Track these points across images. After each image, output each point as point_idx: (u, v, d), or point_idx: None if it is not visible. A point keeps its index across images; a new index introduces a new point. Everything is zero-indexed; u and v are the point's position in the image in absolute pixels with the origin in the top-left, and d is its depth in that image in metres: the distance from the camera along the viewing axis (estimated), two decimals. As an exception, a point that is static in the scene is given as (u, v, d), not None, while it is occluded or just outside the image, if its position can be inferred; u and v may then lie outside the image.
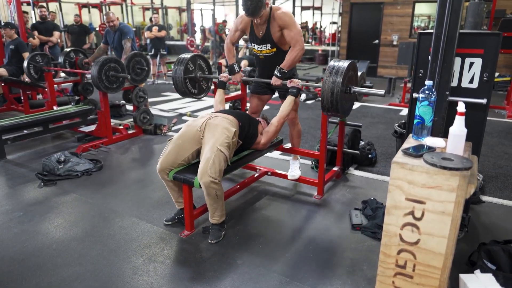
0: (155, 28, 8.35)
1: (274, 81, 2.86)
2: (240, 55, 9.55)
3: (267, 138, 2.74)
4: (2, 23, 5.62)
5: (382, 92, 2.59)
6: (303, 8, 17.72)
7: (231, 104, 3.69)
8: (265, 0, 2.65)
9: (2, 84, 5.46)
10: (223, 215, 2.44)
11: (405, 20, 9.28)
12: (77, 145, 4.22)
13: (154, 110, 5.97)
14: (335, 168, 3.31)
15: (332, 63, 2.55)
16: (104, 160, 3.86)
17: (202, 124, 2.44)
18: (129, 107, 5.77)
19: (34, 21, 7.43)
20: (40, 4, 7.65)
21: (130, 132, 4.66)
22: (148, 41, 8.55)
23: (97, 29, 14.58)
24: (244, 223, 2.65)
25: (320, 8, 17.45)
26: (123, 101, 5.31)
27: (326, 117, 2.85)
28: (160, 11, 13.95)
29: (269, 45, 2.87)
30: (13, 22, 6.56)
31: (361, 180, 3.37)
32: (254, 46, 2.99)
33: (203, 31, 12.57)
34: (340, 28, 10.56)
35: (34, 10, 10.84)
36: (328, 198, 3.03)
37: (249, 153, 2.76)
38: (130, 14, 14.90)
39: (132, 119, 4.79)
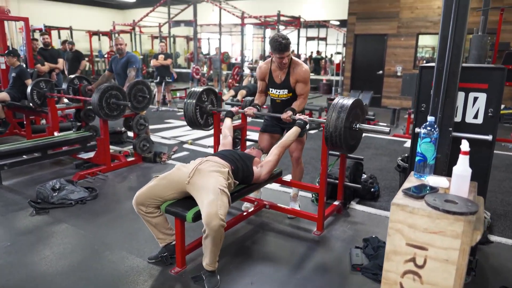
0: (161, 57, 8.47)
1: (285, 115, 2.90)
2: (244, 83, 9.62)
3: (268, 169, 2.66)
4: (10, 50, 5.70)
5: (387, 129, 2.59)
6: (308, 39, 18.04)
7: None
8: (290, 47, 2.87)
9: (5, 109, 5.47)
10: (216, 256, 2.24)
11: (409, 51, 9.35)
12: (75, 172, 4.15)
13: (155, 137, 5.95)
14: (336, 202, 3.19)
15: (337, 100, 2.61)
16: (100, 188, 3.78)
17: (192, 170, 2.33)
18: (131, 134, 5.74)
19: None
20: (42, 31, 7.77)
21: (129, 159, 4.61)
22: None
23: (106, 56, 14.94)
24: (239, 260, 2.52)
25: (325, 39, 17.74)
26: (124, 128, 5.28)
27: (326, 149, 2.78)
28: (168, 39, 14.24)
29: (287, 90, 3.03)
30: (24, 48, 6.66)
31: (363, 216, 3.24)
32: (272, 90, 3.11)
33: (208, 60, 12.76)
34: (344, 59, 10.66)
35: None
36: (328, 234, 2.90)
37: (247, 185, 2.67)
38: (139, 42, 15.24)
39: (132, 146, 4.74)
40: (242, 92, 7.50)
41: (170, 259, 2.43)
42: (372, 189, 3.51)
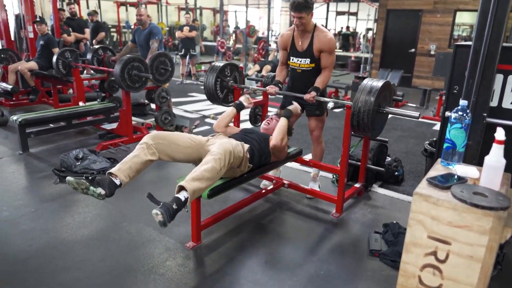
0: (186, 28, 8.37)
1: (309, 96, 2.79)
2: (270, 58, 9.42)
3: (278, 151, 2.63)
4: (38, 18, 5.75)
5: (416, 114, 2.48)
6: (338, 13, 17.39)
7: (251, 110, 3.54)
8: (312, 10, 2.75)
9: (34, 78, 5.59)
10: (198, 192, 1.96)
11: (444, 29, 8.84)
12: (98, 142, 4.22)
13: (178, 111, 5.95)
14: (357, 185, 3.10)
15: (365, 82, 2.54)
16: (121, 159, 3.82)
17: (212, 136, 2.42)
18: (154, 106, 5.76)
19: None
20: (69, 1, 7.77)
21: (151, 132, 4.63)
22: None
23: (132, 27, 14.95)
24: (254, 239, 2.51)
25: (356, 14, 17.06)
26: (147, 100, 5.30)
27: (348, 129, 2.67)
28: (194, 11, 14.07)
29: (309, 59, 2.89)
30: (51, 18, 6.71)
31: (385, 199, 3.14)
32: (293, 60, 2.97)
33: (234, 33, 12.53)
34: (375, 35, 10.22)
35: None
36: (347, 217, 2.83)
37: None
38: (165, 14, 15.13)
39: (154, 119, 4.76)
40: (267, 67, 7.34)
41: (91, 185, 1.96)
42: (396, 173, 3.39)
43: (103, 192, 1.97)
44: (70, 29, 6.67)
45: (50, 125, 4.29)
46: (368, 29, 13.28)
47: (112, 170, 2.07)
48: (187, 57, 8.68)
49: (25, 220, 2.65)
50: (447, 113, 1.95)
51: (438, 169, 1.52)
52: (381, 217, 2.82)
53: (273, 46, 11.67)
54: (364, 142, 3.00)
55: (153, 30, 4.80)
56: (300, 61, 2.92)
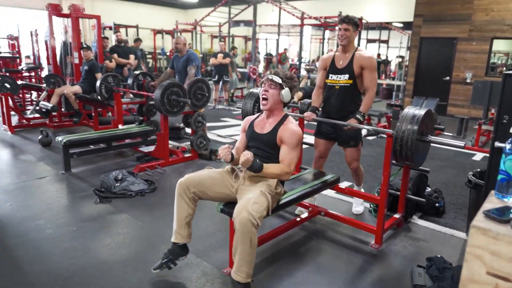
0: (220, 55, 8.62)
1: (348, 124, 2.84)
2: (301, 85, 9.51)
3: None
4: (84, 45, 6.11)
5: (462, 144, 2.43)
6: (369, 41, 17.43)
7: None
8: (357, 30, 2.96)
9: (77, 101, 5.89)
10: (250, 274, 2.01)
11: (481, 57, 8.67)
12: (135, 164, 4.34)
13: (211, 135, 6.06)
14: (397, 215, 3.01)
15: (407, 110, 2.54)
16: (158, 181, 3.91)
17: (242, 177, 2.30)
18: (188, 130, 5.90)
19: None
20: (115, 30, 8.22)
21: (186, 155, 4.73)
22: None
23: (168, 53, 15.56)
24: (291, 268, 2.46)
25: (386, 42, 17.06)
26: (183, 124, 5.44)
27: (389, 158, 2.63)
28: (227, 39, 14.53)
29: (348, 75, 2.96)
30: (95, 44, 7.12)
31: (426, 232, 3.02)
32: (331, 77, 3.05)
33: (266, 59, 12.78)
34: (407, 63, 10.15)
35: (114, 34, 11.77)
36: (387, 248, 2.74)
37: (302, 190, 2.61)
38: (199, 41, 15.69)
39: (189, 143, 4.87)
40: (299, 94, 7.40)
41: (174, 263, 2.30)
42: (437, 204, 3.26)
43: (183, 257, 2.35)
44: (116, 55, 7.02)
45: (91, 146, 4.47)
46: (401, 57, 13.22)
47: (175, 239, 2.32)
48: (220, 83, 8.90)
49: (67, 239, 2.73)
50: (499, 144, 1.89)
51: (492, 201, 1.46)
52: (423, 251, 2.71)
53: (303, 73, 11.81)
54: (404, 171, 2.93)
55: (190, 57, 4.98)
56: (339, 78, 3.00)
